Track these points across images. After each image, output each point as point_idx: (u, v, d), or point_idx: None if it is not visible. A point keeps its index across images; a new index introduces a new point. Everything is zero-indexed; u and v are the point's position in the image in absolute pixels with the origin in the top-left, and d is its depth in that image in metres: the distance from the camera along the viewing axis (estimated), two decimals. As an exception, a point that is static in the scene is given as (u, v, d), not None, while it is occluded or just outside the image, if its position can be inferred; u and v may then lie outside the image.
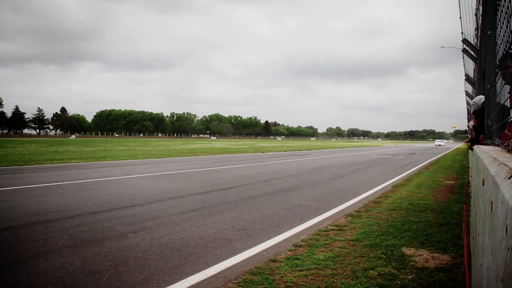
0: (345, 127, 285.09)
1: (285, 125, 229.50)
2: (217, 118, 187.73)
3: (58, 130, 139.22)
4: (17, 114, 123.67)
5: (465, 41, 9.95)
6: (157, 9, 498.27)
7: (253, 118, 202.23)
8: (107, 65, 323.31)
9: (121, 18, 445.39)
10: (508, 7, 2.02)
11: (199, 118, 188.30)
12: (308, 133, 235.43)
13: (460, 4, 9.79)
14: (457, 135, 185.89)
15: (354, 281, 3.48)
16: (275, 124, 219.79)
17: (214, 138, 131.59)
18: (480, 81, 8.18)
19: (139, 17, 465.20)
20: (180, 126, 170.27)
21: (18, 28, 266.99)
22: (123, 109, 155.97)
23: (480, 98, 5.89)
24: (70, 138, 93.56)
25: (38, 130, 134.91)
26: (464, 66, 15.96)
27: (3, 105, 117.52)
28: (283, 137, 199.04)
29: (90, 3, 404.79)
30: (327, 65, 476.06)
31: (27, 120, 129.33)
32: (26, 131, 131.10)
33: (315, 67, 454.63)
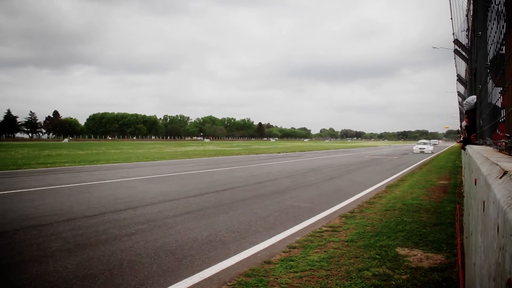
0: (338, 128, 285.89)
1: (279, 126, 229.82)
2: (210, 120, 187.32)
3: (51, 134, 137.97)
4: (9, 118, 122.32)
5: (456, 41, 10.02)
6: (152, 11, 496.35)
7: (246, 120, 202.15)
8: (102, 68, 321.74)
9: (116, 21, 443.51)
10: (498, 8, 2.04)
11: (193, 121, 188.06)
12: (301, 134, 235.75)
13: (451, 5, 9.87)
14: (450, 135, 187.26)
15: (349, 282, 3.49)
16: (269, 125, 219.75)
17: (208, 140, 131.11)
18: (471, 82, 8.25)
19: (134, 20, 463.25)
20: (173, 128, 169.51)
21: (12, 31, 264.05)
22: (117, 112, 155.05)
23: (473, 98, 5.93)
24: (63, 141, 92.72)
25: (30, 134, 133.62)
26: (456, 66, 16.08)
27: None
28: (277, 138, 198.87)
29: (85, 6, 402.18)
30: (321, 66, 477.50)
31: (20, 123, 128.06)
32: (18, 135, 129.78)
33: (309, 69, 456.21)
